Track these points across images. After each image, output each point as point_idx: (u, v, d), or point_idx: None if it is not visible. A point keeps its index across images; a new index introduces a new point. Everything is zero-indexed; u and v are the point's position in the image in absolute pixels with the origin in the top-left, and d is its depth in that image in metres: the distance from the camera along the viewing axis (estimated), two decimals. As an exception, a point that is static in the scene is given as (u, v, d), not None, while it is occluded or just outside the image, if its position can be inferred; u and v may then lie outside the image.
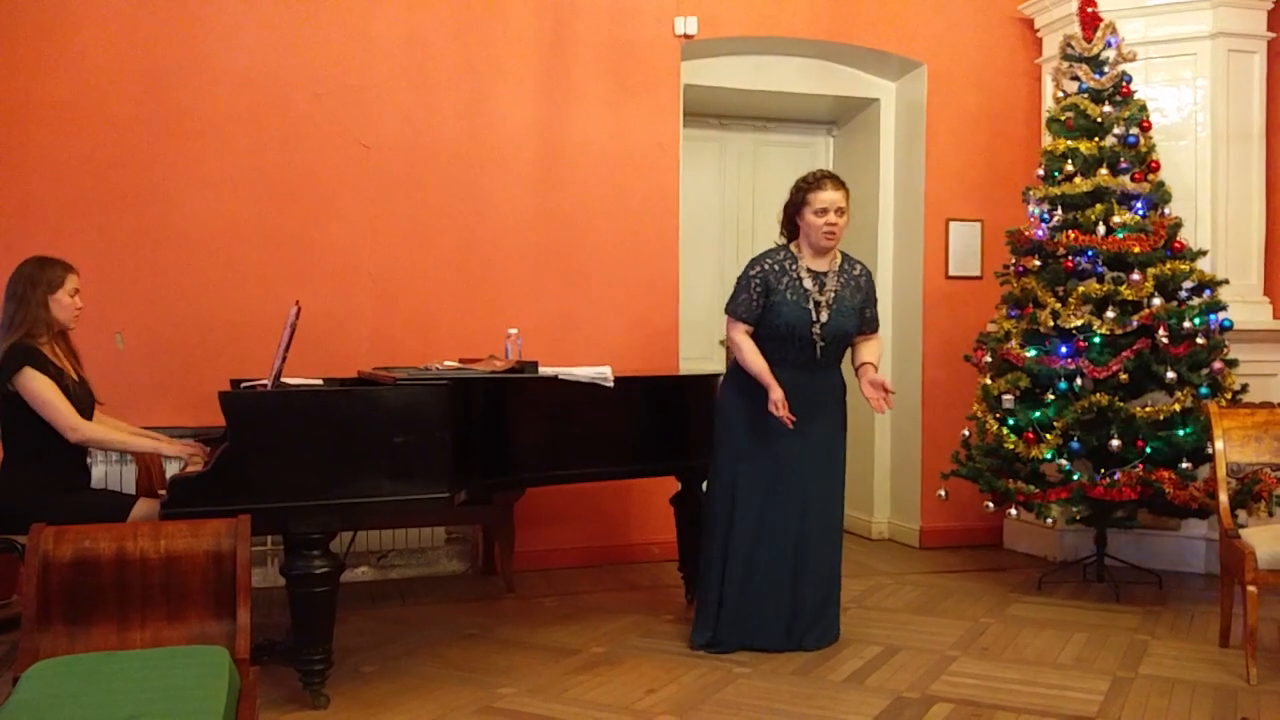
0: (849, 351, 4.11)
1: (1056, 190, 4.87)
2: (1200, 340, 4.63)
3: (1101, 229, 4.72)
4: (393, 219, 5.17)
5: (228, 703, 2.24)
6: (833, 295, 3.98)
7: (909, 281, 6.10)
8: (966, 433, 5.06)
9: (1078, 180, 4.83)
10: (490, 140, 5.30)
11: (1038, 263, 4.93)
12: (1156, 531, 5.27)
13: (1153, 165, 4.90)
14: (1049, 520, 4.78)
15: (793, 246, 4.05)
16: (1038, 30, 5.95)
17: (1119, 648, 4.08)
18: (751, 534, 3.96)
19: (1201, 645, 4.10)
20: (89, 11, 4.77)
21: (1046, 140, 5.19)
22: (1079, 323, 4.65)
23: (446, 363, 4.22)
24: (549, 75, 5.40)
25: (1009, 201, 5.67)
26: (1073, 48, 4.99)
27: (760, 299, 3.95)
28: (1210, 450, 4.05)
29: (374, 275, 5.14)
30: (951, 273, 5.98)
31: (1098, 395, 4.56)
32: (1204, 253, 4.92)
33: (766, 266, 3.99)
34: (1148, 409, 4.56)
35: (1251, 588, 3.64)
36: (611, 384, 4.05)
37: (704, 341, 6.27)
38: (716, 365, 5.93)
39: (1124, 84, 4.92)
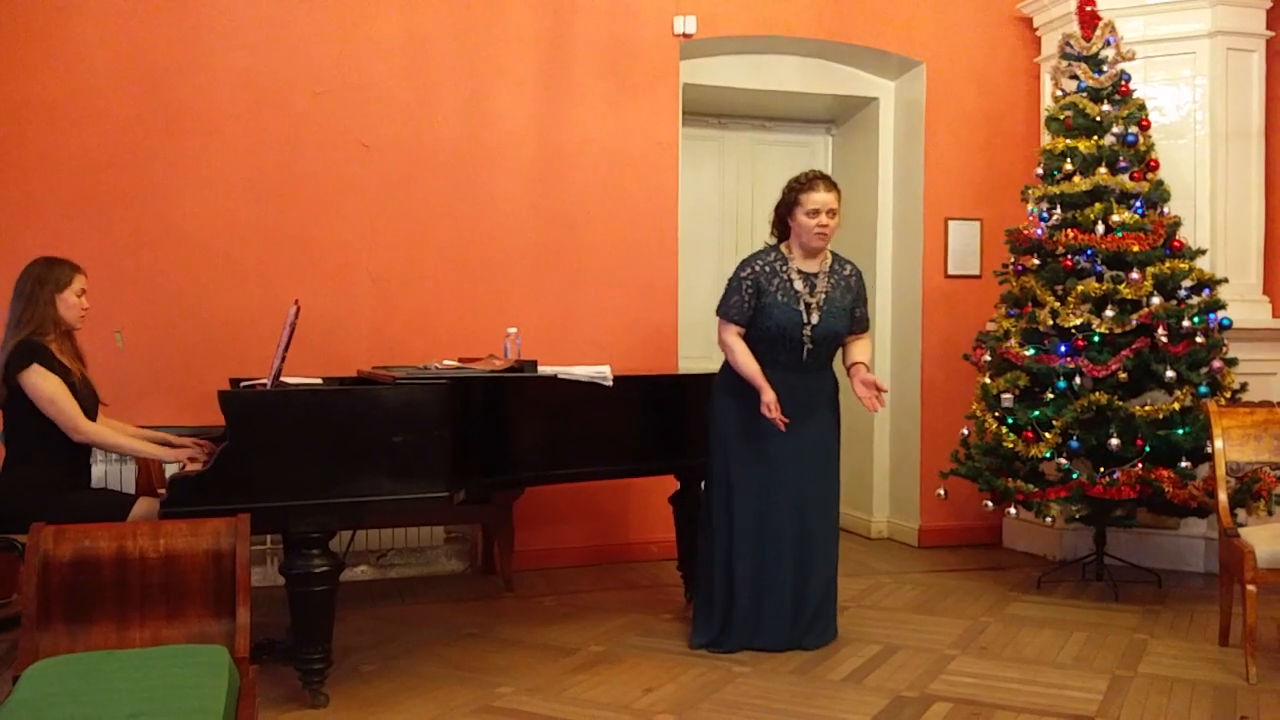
0: (840, 351, 4.12)
1: (1055, 189, 4.87)
2: (1199, 339, 4.63)
3: (1100, 228, 4.73)
4: (392, 218, 5.17)
5: (227, 702, 2.24)
6: (823, 297, 3.98)
7: (908, 280, 6.10)
8: (966, 432, 5.06)
9: (1077, 179, 4.83)
10: (490, 139, 5.30)
11: (1037, 262, 4.93)
12: (1156, 530, 5.27)
13: (1151, 164, 4.90)
14: (1048, 519, 4.78)
15: (783, 247, 4.05)
16: (1037, 29, 5.95)
17: (1118, 647, 4.08)
18: (754, 535, 3.96)
19: (1201, 644, 4.11)
20: (88, 11, 4.77)
21: (1045, 139, 5.19)
22: (1078, 322, 4.65)
23: (446, 362, 4.22)
24: (548, 74, 5.40)
25: (1008, 200, 5.68)
26: (1071, 46, 4.99)
27: (751, 300, 3.95)
28: (1209, 449, 4.05)
29: (373, 274, 5.14)
30: (950, 272, 5.98)
31: (1097, 394, 4.56)
32: (1203, 251, 4.92)
33: (757, 268, 3.99)
34: (1147, 408, 4.56)
35: (1251, 586, 3.64)
36: (610, 383, 4.05)
37: (703, 340, 6.25)
38: (715, 364, 5.86)
39: (1123, 83, 4.92)
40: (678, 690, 3.58)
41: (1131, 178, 4.83)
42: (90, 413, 3.64)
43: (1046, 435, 4.61)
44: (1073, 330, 4.69)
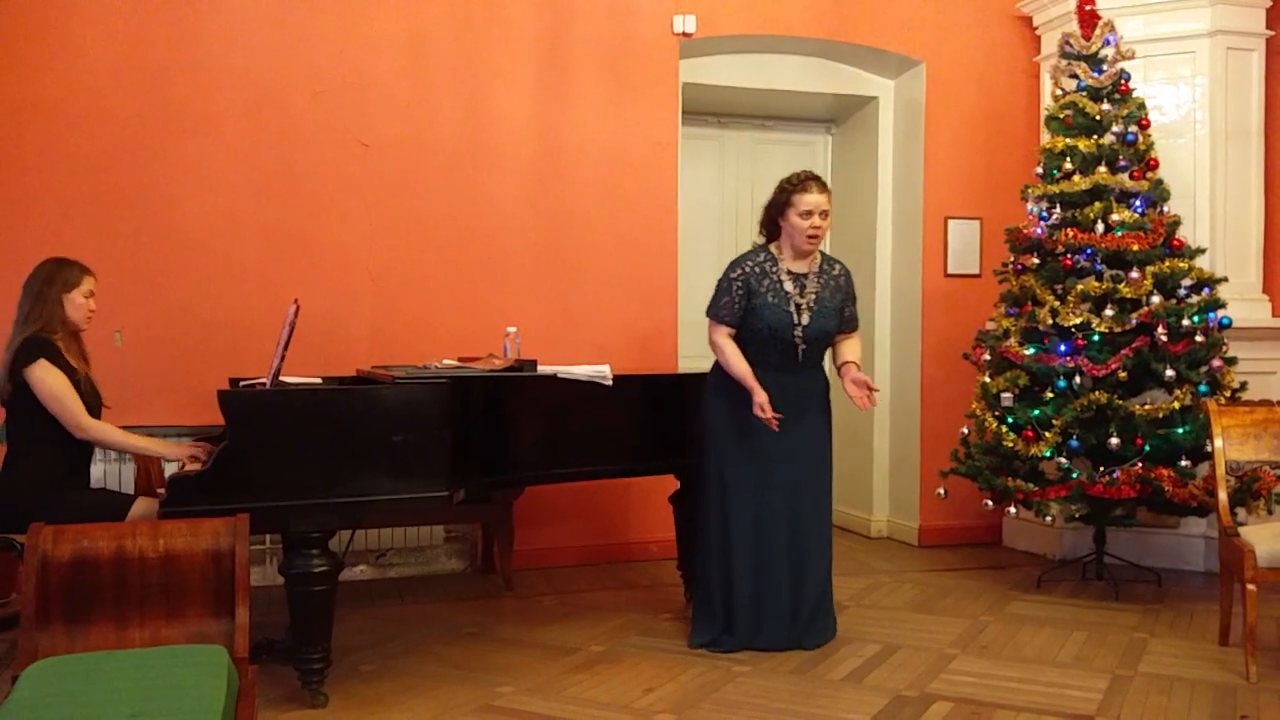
0: (829, 350, 4.12)
1: (1055, 188, 4.87)
2: (1199, 338, 4.62)
3: (1100, 227, 4.72)
4: (392, 217, 5.17)
5: (227, 702, 2.24)
6: (813, 297, 3.99)
7: (908, 280, 6.10)
8: (965, 431, 5.06)
9: (1076, 178, 4.83)
10: (489, 139, 5.30)
11: (1036, 261, 4.93)
12: (1156, 529, 5.27)
13: (1151, 163, 4.90)
14: (1048, 518, 4.78)
15: (773, 248, 4.05)
16: (1036, 28, 5.95)
17: (1118, 646, 4.08)
18: (751, 534, 3.96)
19: (1201, 643, 4.10)
20: (88, 10, 4.77)
21: (1045, 138, 5.19)
22: (1078, 321, 4.65)
23: (445, 361, 4.22)
24: (548, 74, 5.40)
25: (1008, 199, 5.67)
26: (1071, 46, 4.99)
27: (742, 301, 3.96)
28: (1209, 448, 4.04)
29: (373, 274, 5.14)
30: (950, 271, 5.98)
31: (1097, 393, 4.56)
32: (1203, 250, 4.91)
33: (747, 269, 3.99)
34: (1147, 407, 4.56)
35: (1251, 586, 3.64)
36: (610, 382, 4.05)
37: (703, 340, 6.13)
38: (715, 364, 5.93)
39: (1122, 82, 4.92)
40: (678, 690, 3.58)
41: (1131, 177, 4.83)
42: (93, 413, 3.64)
43: (1046, 434, 4.60)
44: (1072, 329, 4.69)
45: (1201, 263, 4.89)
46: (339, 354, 4.90)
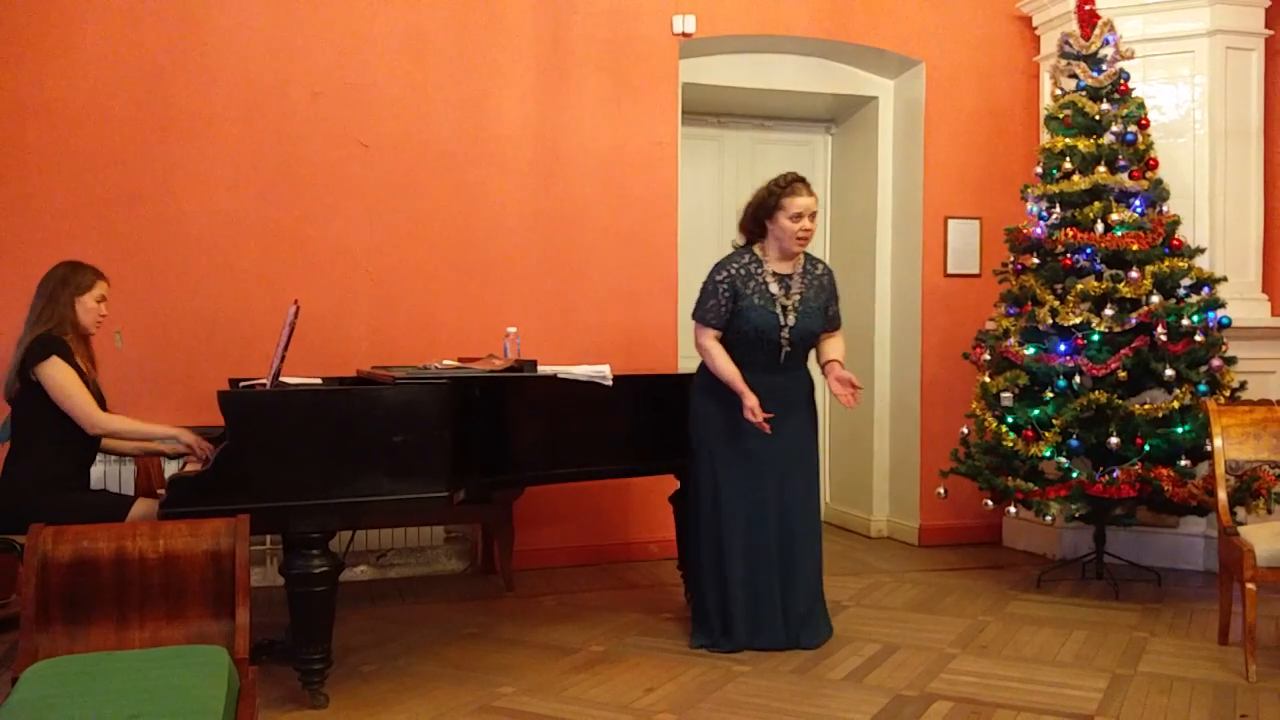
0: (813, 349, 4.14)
1: (1055, 188, 4.87)
2: (1199, 338, 4.62)
3: (1100, 227, 4.72)
4: (392, 217, 5.17)
5: (227, 702, 2.24)
6: (798, 298, 4.00)
7: (908, 279, 6.10)
8: (965, 430, 5.06)
9: (1076, 178, 4.83)
10: (489, 139, 5.30)
11: (1036, 260, 4.93)
12: (1155, 529, 5.27)
13: (1151, 163, 4.90)
14: (1048, 518, 4.78)
15: (757, 249, 4.06)
16: (1036, 28, 5.95)
17: (1118, 645, 4.08)
18: (742, 534, 3.97)
19: (1200, 643, 4.10)
20: (87, 10, 4.77)
21: (1045, 138, 5.19)
22: (1078, 320, 4.65)
23: (445, 361, 4.22)
24: (547, 74, 5.40)
25: (1007, 199, 5.68)
26: (1071, 45, 4.99)
27: (728, 304, 3.97)
28: (1209, 447, 4.04)
29: (373, 274, 5.14)
30: (950, 270, 5.98)
31: (1096, 393, 4.56)
32: (1202, 250, 4.91)
33: (733, 271, 4.00)
34: (1146, 406, 4.56)
35: (1250, 585, 3.64)
36: (610, 383, 4.06)
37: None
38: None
39: (1122, 81, 4.92)
40: (678, 690, 3.58)
41: (1131, 176, 4.83)
42: None
43: (1046, 434, 4.60)
44: (1072, 329, 4.69)
45: (1201, 262, 4.89)
46: (339, 354, 4.90)
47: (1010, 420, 4.73)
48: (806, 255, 4.10)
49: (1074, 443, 4.59)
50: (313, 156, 5.05)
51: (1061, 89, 5.04)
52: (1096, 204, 4.76)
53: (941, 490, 5.08)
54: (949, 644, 4.10)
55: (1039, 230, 4.87)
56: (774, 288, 3.99)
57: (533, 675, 3.73)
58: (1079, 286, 4.68)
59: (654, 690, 3.57)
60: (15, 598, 4.14)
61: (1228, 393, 4.62)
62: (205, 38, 4.91)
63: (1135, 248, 4.67)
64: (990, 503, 4.86)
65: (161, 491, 3.56)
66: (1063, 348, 4.66)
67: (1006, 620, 4.44)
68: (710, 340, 4.00)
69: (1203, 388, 4.57)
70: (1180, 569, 5.26)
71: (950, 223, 5.98)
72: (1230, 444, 3.98)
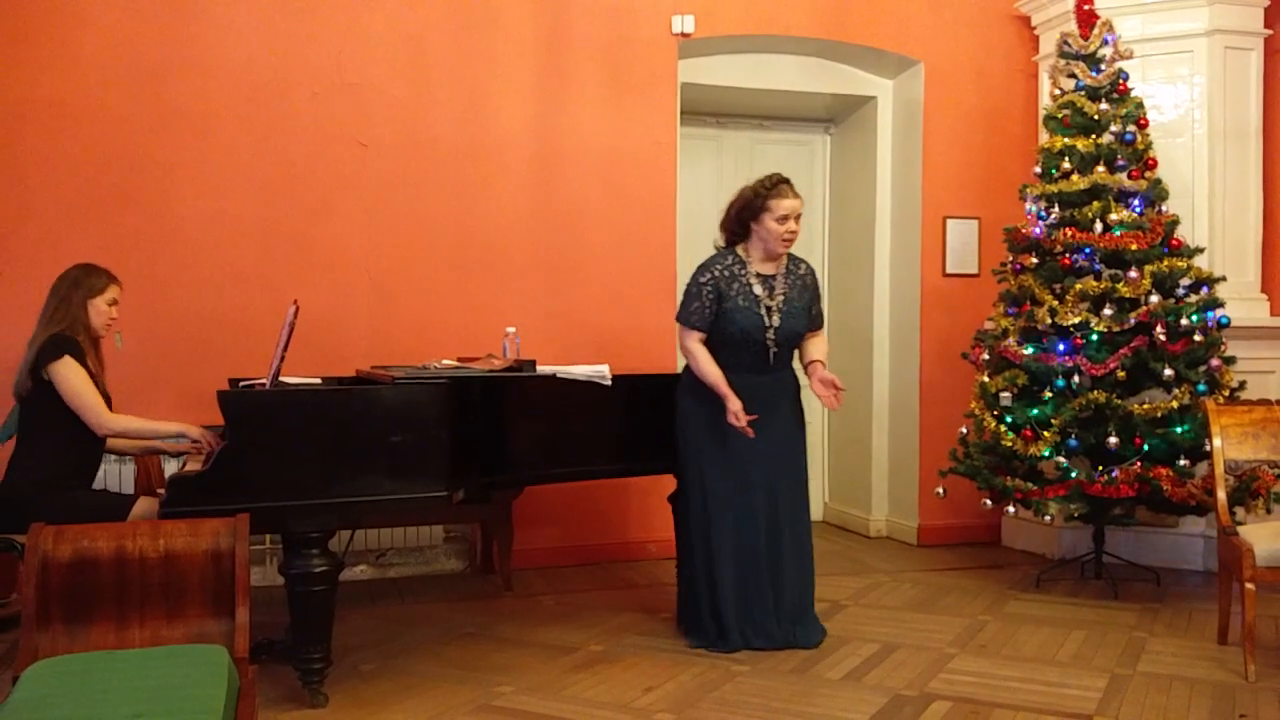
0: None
1: (1054, 188, 4.87)
2: (1198, 337, 4.63)
3: (1099, 226, 4.73)
4: (390, 217, 5.17)
5: (227, 701, 2.24)
6: (782, 298, 4.00)
7: (906, 279, 6.10)
8: (964, 430, 5.06)
9: (1075, 178, 4.83)
10: (488, 138, 5.30)
11: (1035, 260, 4.93)
12: (1154, 529, 5.27)
13: (1150, 162, 4.90)
14: (1047, 518, 4.78)
15: (740, 250, 4.05)
16: (1035, 28, 5.95)
17: (1117, 645, 4.08)
18: (731, 535, 3.97)
19: (1199, 642, 4.11)
20: (87, 11, 4.77)
21: (1044, 138, 5.19)
22: (1076, 320, 4.65)
23: (444, 361, 4.22)
24: (546, 73, 5.40)
25: (1006, 199, 5.67)
26: (1069, 45, 4.99)
27: (712, 306, 3.97)
28: (1208, 447, 4.04)
29: (372, 274, 5.14)
30: (949, 270, 5.98)
31: (1095, 393, 4.56)
32: (1201, 250, 4.92)
33: (716, 273, 4.00)
34: (1145, 406, 4.56)
35: (1249, 585, 3.64)
36: (609, 382, 4.06)
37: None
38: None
39: (1121, 81, 4.92)
40: (677, 689, 3.58)
41: (1130, 176, 4.83)
42: None
43: (1045, 434, 4.61)
44: (1071, 329, 4.69)
45: (1200, 262, 4.89)
46: (338, 354, 4.90)
47: (1009, 420, 4.73)
48: (789, 255, 4.10)
49: (1073, 442, 4.59)
50: (312, 156, 5.05)
51: (1060, 89, 5.05)
52: (1095, 204, 4.76)
53: (940, 490, 5.08)
54: (948, 643, 4.10)
55: (1038, 230, 4.87)
56: (758, 289, 3.99)
57: (532, 675, 3.73)
58: (1078, 286, 4.68)
59: (653, 690, 3.57)
60: (16, 597, 4.14)
61: (1227, 392, 4.62)
62: (203, 37, 4.91)
63: (1134, 247, 4.67)
64: (989, 502, 4.86)
65: (161, 491, 3.56)
66: (1061, 347, 4.66)
67: (1005, 620, 4.45)
68: (694, 343, 4.00)
69: (1202, 387, 4.57)
70: (1179, 569, 5.26)
71: (949, 222, 5.98)
72: (1229, 444, 3.98)
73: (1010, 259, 5.05)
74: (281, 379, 3.70)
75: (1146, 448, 4.54)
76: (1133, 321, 4.60)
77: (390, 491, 3.37)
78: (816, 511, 6.59)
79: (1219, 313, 4.67)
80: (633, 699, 3.49)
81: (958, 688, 3.59)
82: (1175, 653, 3.98)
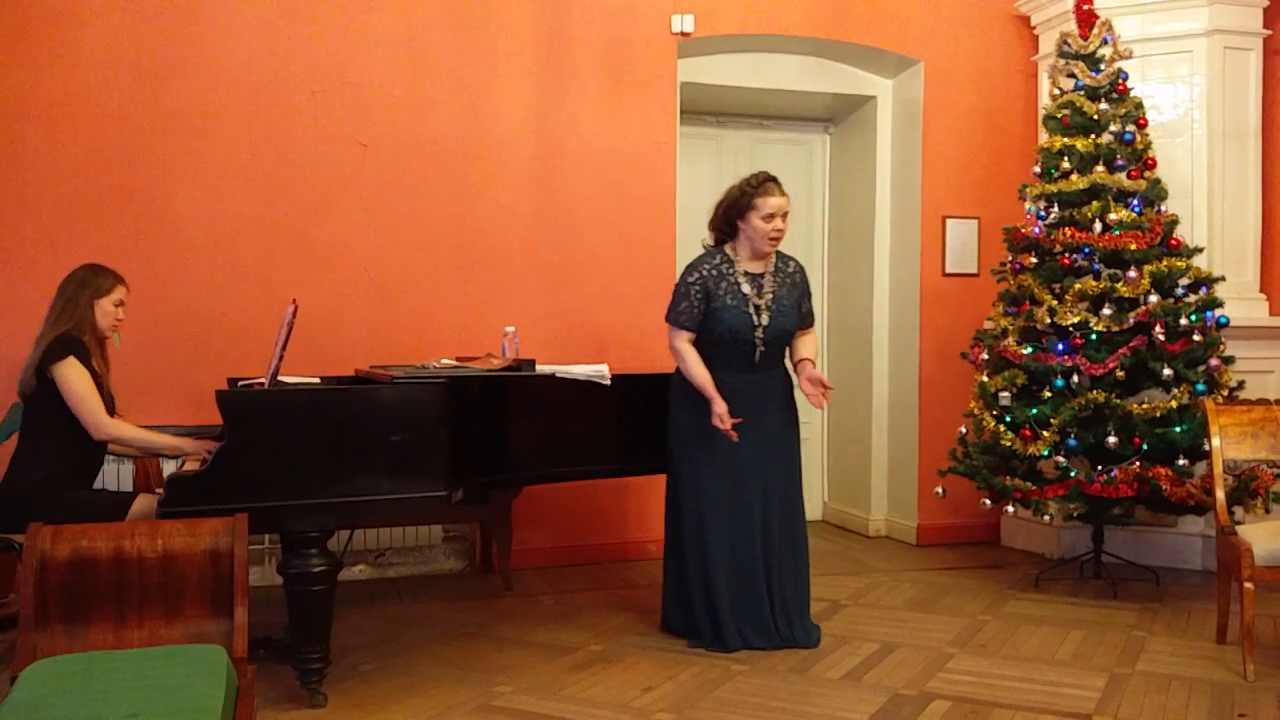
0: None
1: (1053, 187, 4.87)
2: (1197, 337, 4.63)
3: (1098, 226, 4.73)
4: (390, 217, 5.17)
5: (225, 701, 2.24)
6: (771, 297, 4.00)
7: (906, 279, 6.10)
8: (964, 430, 5.06)
9: (1074, 177, 4.83)
10: (487, 138, 5.30)
11: (1034, 260, 4.93)
12: (1153, 528, 5.27)
13: (1149, 162, 4.90)
14: (1046, 517, 4.78)
15: (728, 249, 4.05)
16: (1034, 27, 5.95)
17: (1116, 644, 4.08)
18: (725, 536, 3.97)
19: (1198, 642, 4.11)
20: (87, 11, 4.76)
21: (1043, 137, 5.19)
22: (1076, 320, 4.65)
23: (444, 361, 4.22)
24: (546, 73, 5.40)
25: (1006, 199, 5.67)
26: (1069, 45, 4.99)
27: (701, 306, 3.96)
28: (1207, 447, 4.05)
29: (371, 273, 5.14)
30: (948, 270, 5.98)
31: (1094, 392, 4.56)
32: (1200, 250, 4.92)
33: (705, 273, 3.99)
34: (1144, 406, 4.56)
35: (1248, 584, 3.64)
36: (609, 382, 4.06)
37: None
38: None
39: (1120, 81, 4.92)
40: (676, 689, 3.58)
41: (1129, 176, 4.83)
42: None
43: (1044, 433, 4.61)
44: (1070, 328, 4.69)
45: (1199, 262, 4.90)
46: (337, 354, 4.90)
47: (1008, 419, 4.73)
48: (778, 253, 4.09)
49: (1072, 442, 4.59)
50: (311, 155, 5.05)
51: (1060, 88, 5.05)
52: (1095, 203, 4.76)
53: (940, 489, 5.08)
54: (947, 643, 4.10)
55: (1037, 230, 4.87)
56: (746, 288, 3.98)
57: (531, 674, 3.73)
58: (1077, 286, 4.68)
59: (652, 689, 3.57)
60: (14, 597, 4.14)
61: (1226, 392, 4.63)
62: (203, 36, 4.90)
63: (1133, 247, 4.67)
64: (988, 502, 4.86)
65: (160, 490, 3.56)
66: (1061, 347, 4.66)
67: (1005, 619, 4.45)
68: (683, 343, 4.00)
69: (1201, 387, 4.57)
70: (1178, 568, 5.26)
71: (948, 222, 5.98)
72: (1228, 443, 3.98)
73: (1009, 259, 5.05)
74: (280, 378, 3.71)
75: (1145, 447, 4.54)
76: (1132, 321, 4.60)
77: (389, 491, 3.37)
78: (816, 511, 6.61)
79: (1218, 312, 4.68)
80: (632, 699, 3.49)
81: (957, 687, 3.59)
82: (1174, 652, 3.98)
